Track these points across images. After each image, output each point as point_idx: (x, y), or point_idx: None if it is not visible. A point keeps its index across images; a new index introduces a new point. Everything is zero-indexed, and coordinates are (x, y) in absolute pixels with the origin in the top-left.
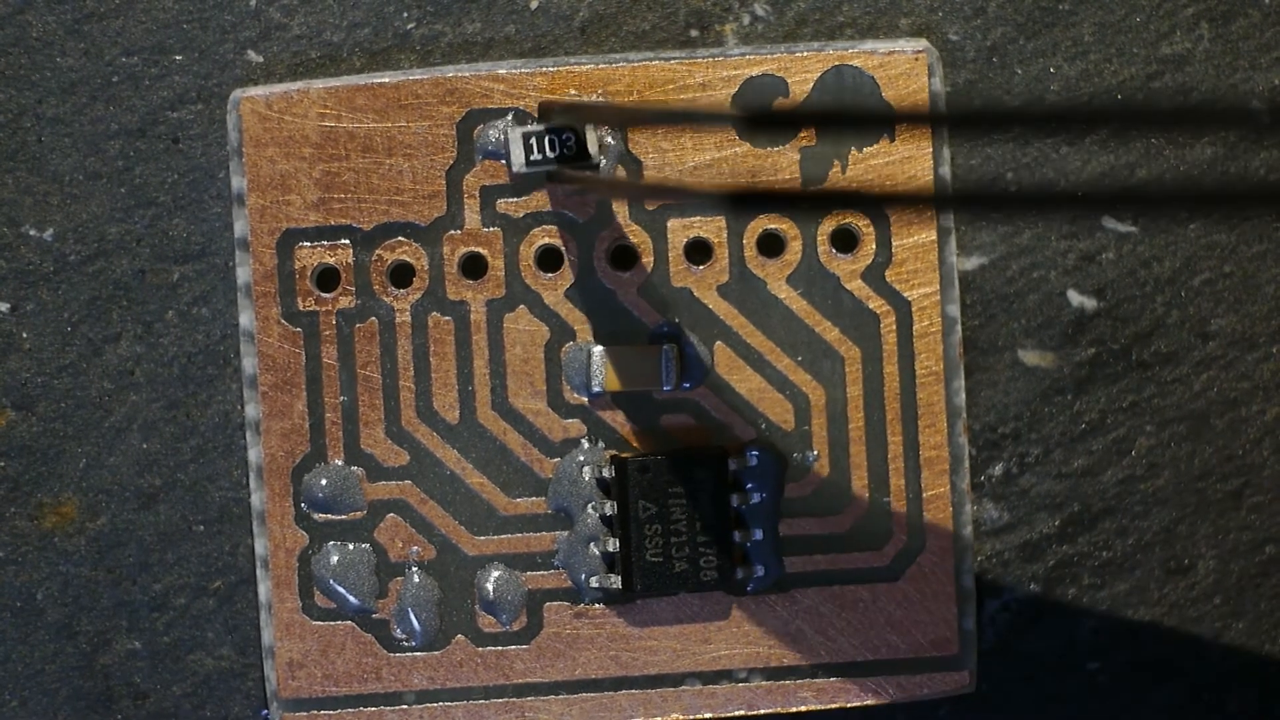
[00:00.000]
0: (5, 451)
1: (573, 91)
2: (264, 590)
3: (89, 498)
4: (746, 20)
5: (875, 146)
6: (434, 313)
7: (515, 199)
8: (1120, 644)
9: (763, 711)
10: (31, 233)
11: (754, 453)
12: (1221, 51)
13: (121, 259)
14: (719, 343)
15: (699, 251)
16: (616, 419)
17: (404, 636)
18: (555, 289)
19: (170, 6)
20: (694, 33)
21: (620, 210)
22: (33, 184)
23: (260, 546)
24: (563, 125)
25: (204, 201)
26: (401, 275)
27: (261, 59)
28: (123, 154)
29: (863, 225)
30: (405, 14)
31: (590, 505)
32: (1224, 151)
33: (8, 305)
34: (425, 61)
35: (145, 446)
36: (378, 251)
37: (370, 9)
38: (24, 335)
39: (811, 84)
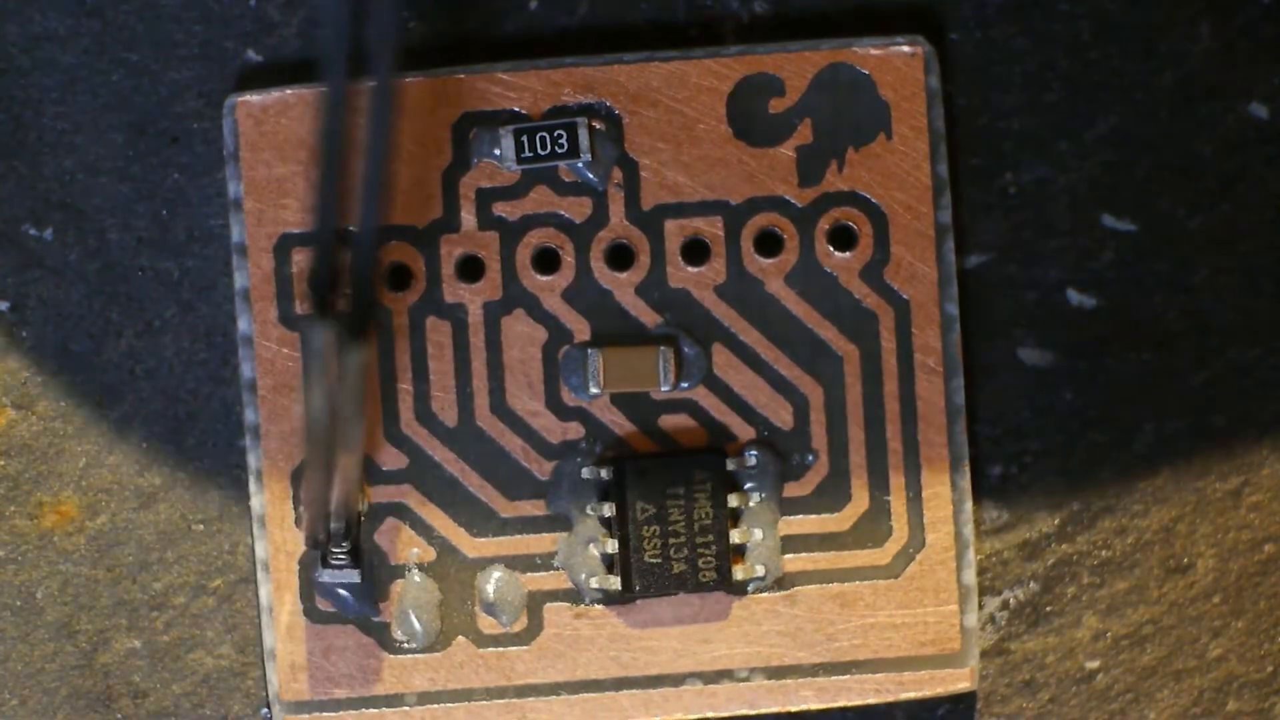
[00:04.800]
0: (5, 451)
1: (569, 91)
2: (265, 593)
3: (89, 497)
4: (746, 19)
5: (873, 144)
6: (431, 315)
7: (511, 200)
8: (1120, 644)
9: (763, 711)
10: (31, 232)
11: (753, 452)
12: (1221, 51)
13: (121, 258)
14: (717, 343)
15: (696, 251)
16: (615, 420)
17: (405, 638)
18: (552, 290)
19: (170, 5)
20: (694, 32)
21: (616, 210)
22: (33, 183)
23: (261, 549)
24: (556, 122)
25: (204, 200)
26: (398, 278)
27: (261, 57)
28: (123, 153)
29: (860, 224)
30: (405, 13)
31: (589, 506)
32: (1224, 150)
33: (8, 304)
34: (425, 60)
35: (145, 445)
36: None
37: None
38: (24, 334)
39: (807, 82)
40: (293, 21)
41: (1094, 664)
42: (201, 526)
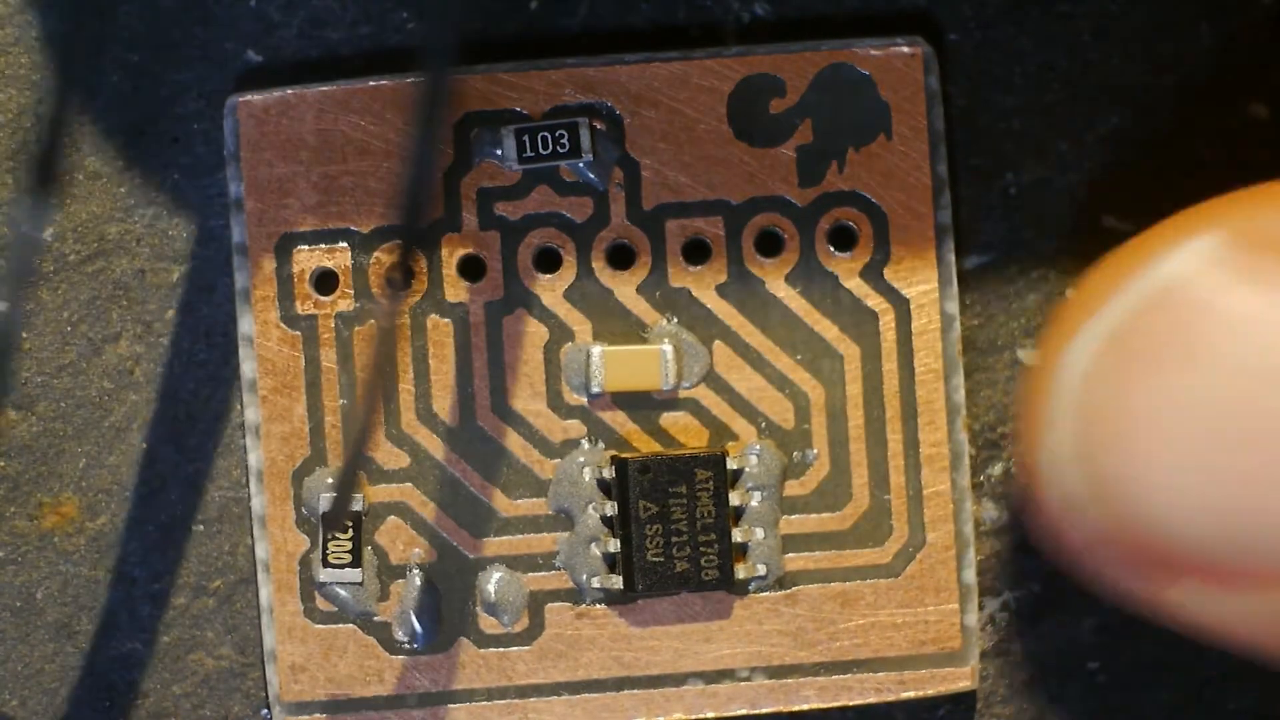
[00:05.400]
0: (5, 451)
1: (570, 92)
2: (265, 594)
3: (89, 497)
4: (746, 19)
5: (873, 145)
6: (432, 315)
7: (513, 200)
8: (1120, 644)
9: (765, 710)
10: (32, 232)
11: (754, 451)
12: (1221, 51)
13: (121, 259)
14: (718, 341)
15: (697, 251)
16: (616, 419)
17: (406, 639)
18: (554, 290)
19: (170, 5)
20: (694, 32)
21: (618, 210)
22: (33, 184)
23: (261, 550)
24: (557, 123)
25: (204, 200)
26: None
27: (261, 58)
28: (123, 153)
29: (860, 224)
30: (405, 13)
31: (591, 506)
32: (1224, 151)
33: (7, 304)
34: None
35: (145, 446)
36: (376, 254)
37: (370, 8)
38: (24, 335)
39: (808, 83)
40: (293, 22)
41: (1094, 665)
42: (201, 527)
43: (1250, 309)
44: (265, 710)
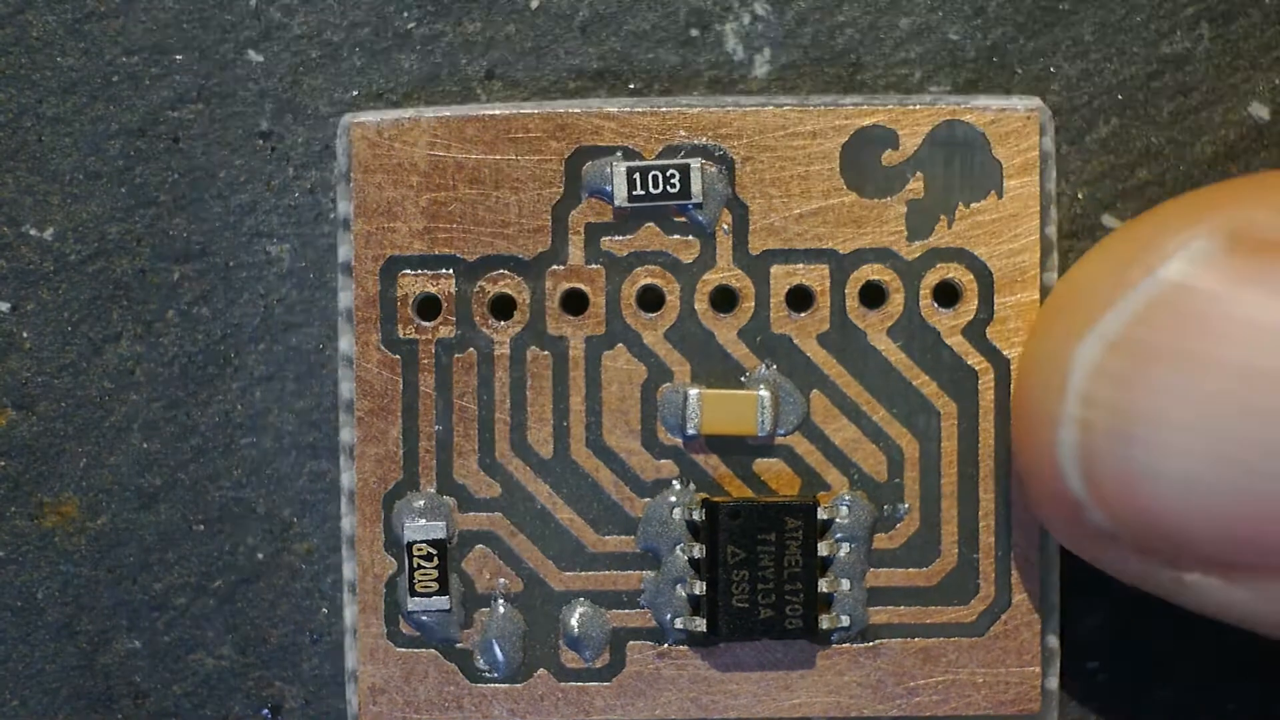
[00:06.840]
0: (5, 451)
1: (683, 133)
2: (350, 614)
3: (89, 497)
4: (747, 20)
5: (983, 202)
6: (533, 347)
7: (620, 237)
8: (1120, 643)
9: None
10: (31, 232)
11: (845, 502)
12: (1221, 51)
13: (121, 259)
14: (815, 390)
15: (800, 298)
16: (709, 462)
17: (487, 668)
18: (655, 329)
19: (170, 6)
20: (694, 32)
21: (724, 253)
22: (33, 184)
23: (348, 571)
24: (669, 163)
25: (204, 201)
26: (502, 307)
27: (261, 59)
28: (123, 153)
29: (966, 281)
30: (405, 14)
31: (679, 547)
32: (1224, 151)
33: (8, 305)
34: (425, 60)
35: (145, 446)
36: (480, 283)
37: (370, 8)
38: (24, 335)
39: (922, 137)
40: (293, 23)
41: (1094, 665)
42: (202, 527)
43: (1256, 311)
44: (265, 710)
